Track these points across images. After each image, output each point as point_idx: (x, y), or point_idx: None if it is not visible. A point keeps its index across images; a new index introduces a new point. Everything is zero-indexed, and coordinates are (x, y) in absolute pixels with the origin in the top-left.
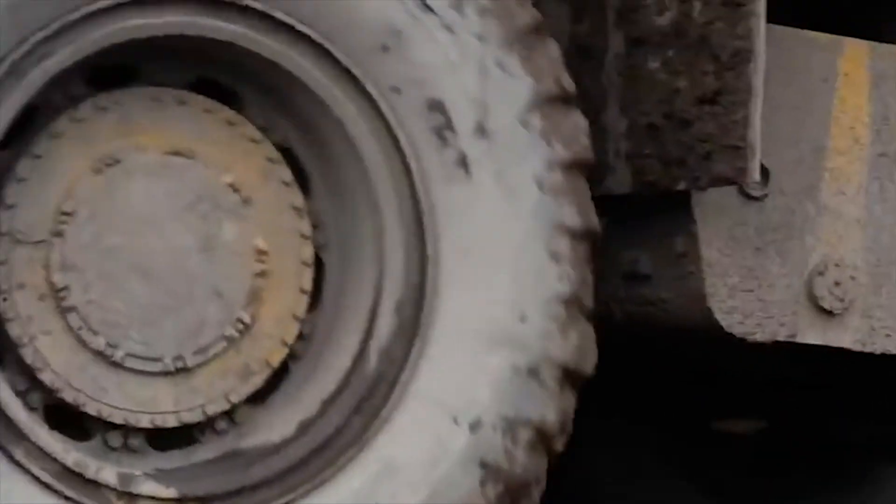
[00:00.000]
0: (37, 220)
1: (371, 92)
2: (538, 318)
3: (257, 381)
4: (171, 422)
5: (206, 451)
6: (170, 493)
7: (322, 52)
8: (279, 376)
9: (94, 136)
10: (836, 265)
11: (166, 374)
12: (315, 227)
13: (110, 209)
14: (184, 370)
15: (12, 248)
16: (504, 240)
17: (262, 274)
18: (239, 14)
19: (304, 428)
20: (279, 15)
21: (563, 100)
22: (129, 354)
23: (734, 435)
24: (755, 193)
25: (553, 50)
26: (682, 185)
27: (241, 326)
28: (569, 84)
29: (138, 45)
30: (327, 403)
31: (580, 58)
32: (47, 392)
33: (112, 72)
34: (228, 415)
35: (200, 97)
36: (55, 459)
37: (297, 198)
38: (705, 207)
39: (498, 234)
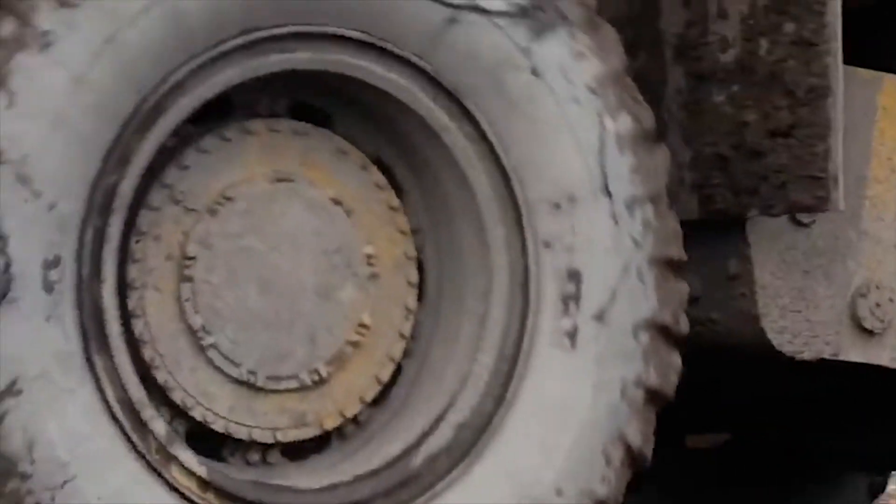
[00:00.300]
0: (201, 191)
1: (529, 247)
2: None
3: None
4: (311, 432)
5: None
6: None
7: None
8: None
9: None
10: (877, 287)
11: (302, 388)
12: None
13: (265, 214)
14: (320, 382)
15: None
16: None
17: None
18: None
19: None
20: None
21: (671, 335)
22: (268, 377)
23: (700, 449)
24: (804, 220)
25: (683, 288)
26: (753, 213)
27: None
28: (684, 325)
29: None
30: (439, 419)
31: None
32: (180, 412)
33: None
34: (355, 420)
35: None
36: (203, 480)
37: (413, 274)
38: (759, 233)
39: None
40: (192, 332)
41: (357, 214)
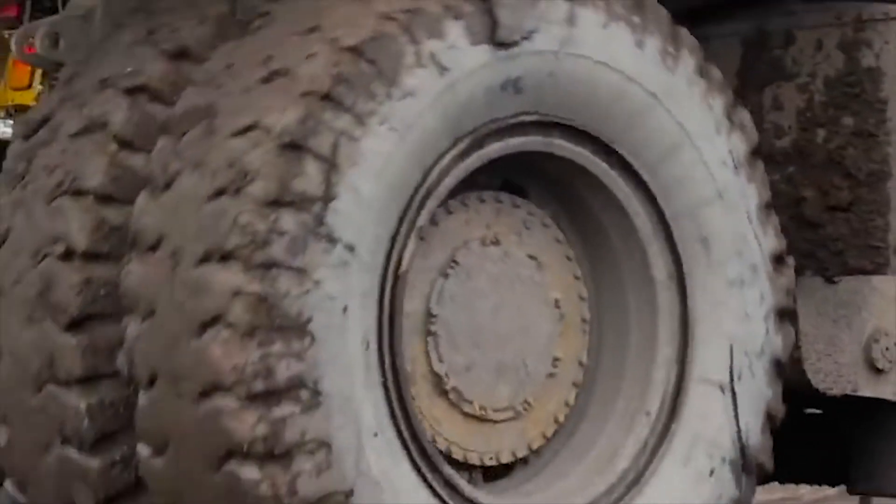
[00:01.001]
0: (435, 257)
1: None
2: None
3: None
4: (523, 453)
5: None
6: None
7: None
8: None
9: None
10: (886, 334)
11: (516, 416)
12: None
13: (483, 273)
14: (528, 409)
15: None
16: None
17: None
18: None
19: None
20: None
21: (783, 372)
22: (493, 410)
23: None
24: (835, 279)
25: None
26: (808, 274)
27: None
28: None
29: None
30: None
31: None
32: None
33: None
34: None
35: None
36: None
37: (586, 312)
38: (800, 290)
39: None
40: (436, 377)
41: (545, 266)
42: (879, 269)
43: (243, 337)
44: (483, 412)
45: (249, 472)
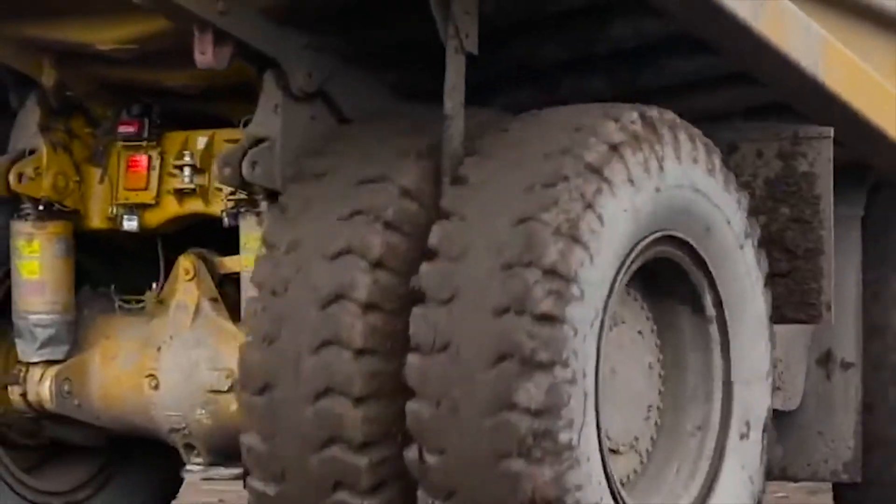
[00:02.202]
0: None
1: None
2: None
3: None
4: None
5: None
6: None
7: None
8: None
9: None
10: None
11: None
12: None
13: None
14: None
15: None
16: None
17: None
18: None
19: None
20: None
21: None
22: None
23: None
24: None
25: None
26: None
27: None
28: None
29: None
30: None
31: None
32: None
33: None
34: None
35: None
36: None
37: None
38: None
39: None
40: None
41: (645, 336)
42: (813, 319)
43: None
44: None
45: None
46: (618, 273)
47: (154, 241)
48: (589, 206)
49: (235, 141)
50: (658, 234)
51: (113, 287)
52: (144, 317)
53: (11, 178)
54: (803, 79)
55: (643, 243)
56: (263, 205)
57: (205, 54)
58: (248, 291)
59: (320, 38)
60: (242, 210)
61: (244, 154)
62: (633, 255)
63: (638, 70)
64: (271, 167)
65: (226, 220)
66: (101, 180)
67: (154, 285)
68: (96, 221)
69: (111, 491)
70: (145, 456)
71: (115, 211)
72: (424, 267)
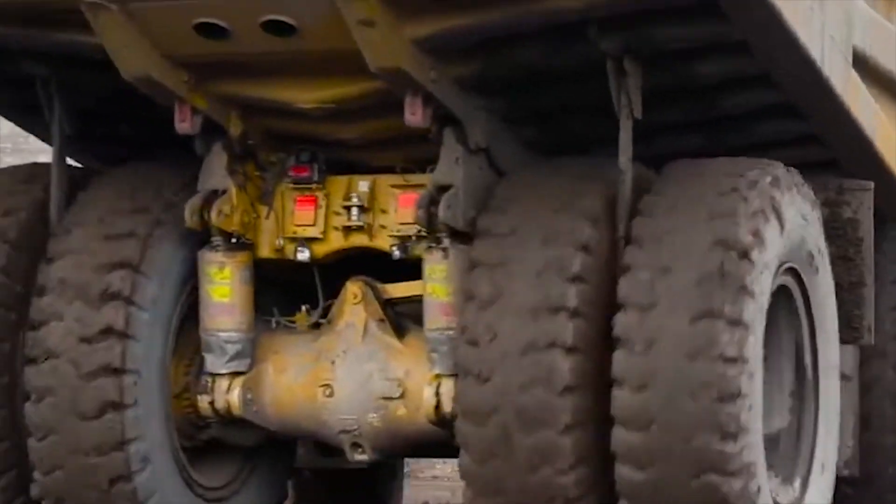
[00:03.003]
0: None
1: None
2: None
3: None
4: None
5: None
6: None
7: None
8: None
9: None
10: None
11: None
12: None
13: None
14: None
15: None
16: None
17: None
18: None
19: None
20: None
21: None
22: None
23: None
24: None
25: None
26: None
27: None
28: None
29: None
30: None
31: None
32: None
33: None
34: None
35: None
36: None
37: None
38: None
39: None
40: None
41: None
42: (856, 340)
43: None
44: None
45: None
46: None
47: (307, 269)
48: (752, 256)
49: (396, 186)
50: (786, 265)
51: (275, 309)
52: (306, 335)
53: (213, 214)
54: (863, 142)
55: (778, 277)
56: (446, 241)
57: (415, 115)
58: (432, 315)
59: (492, 101)
60: (429, 245)
61: (431, 199)
62: (772, 290)
63: (734, 131)
64: (456, 211)
65: (396, 252)
66: (268, 216)
67: (303, 307)
68: (265, 252)
69: (252, 487)
70: (278, 455)
71: (281, 243)
72: (620, 317)
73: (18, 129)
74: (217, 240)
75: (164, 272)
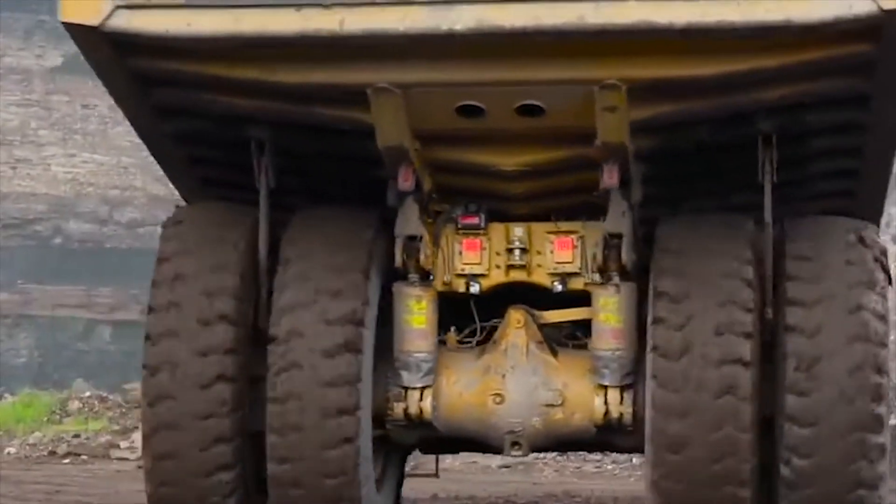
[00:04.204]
0: None
1: None
2: None
3: None
4: None
5: None
6: None
7: None
8: None
9: None
10: None
11: None
12: None
13: None
14: None
15: None
16: None
17: None
18: None
19: None
20: None
21: None
22: None
23: None
24: None
25: None
26: None
27: None
28: None
29: None
30: None
31: None
32: None
33: None
34: None
35: None
36: None
37: None
38: None
39: None
40: None
41: None
42: None
43: None
44: None
45: None
46: None
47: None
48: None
49: (551, 232)
50: None
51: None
52: (471, 352)
53: (421, 256)
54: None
55: None
56: (616, 277)
57: (612, 178)
58: (603, 338)
59: (651, 167)
60: (602, 282)
61: (606, 244)
62: None
63: (799, 188)
64: (630, 254)
65: (558, 286)
66: (436, 256)
67: (452, 329)
68: (438, 286)
69: (387, 480)
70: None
71: (449, 279)
72: (787, 338)
73: (27, 123)
74: (414, 276)
75: (374, 300)
